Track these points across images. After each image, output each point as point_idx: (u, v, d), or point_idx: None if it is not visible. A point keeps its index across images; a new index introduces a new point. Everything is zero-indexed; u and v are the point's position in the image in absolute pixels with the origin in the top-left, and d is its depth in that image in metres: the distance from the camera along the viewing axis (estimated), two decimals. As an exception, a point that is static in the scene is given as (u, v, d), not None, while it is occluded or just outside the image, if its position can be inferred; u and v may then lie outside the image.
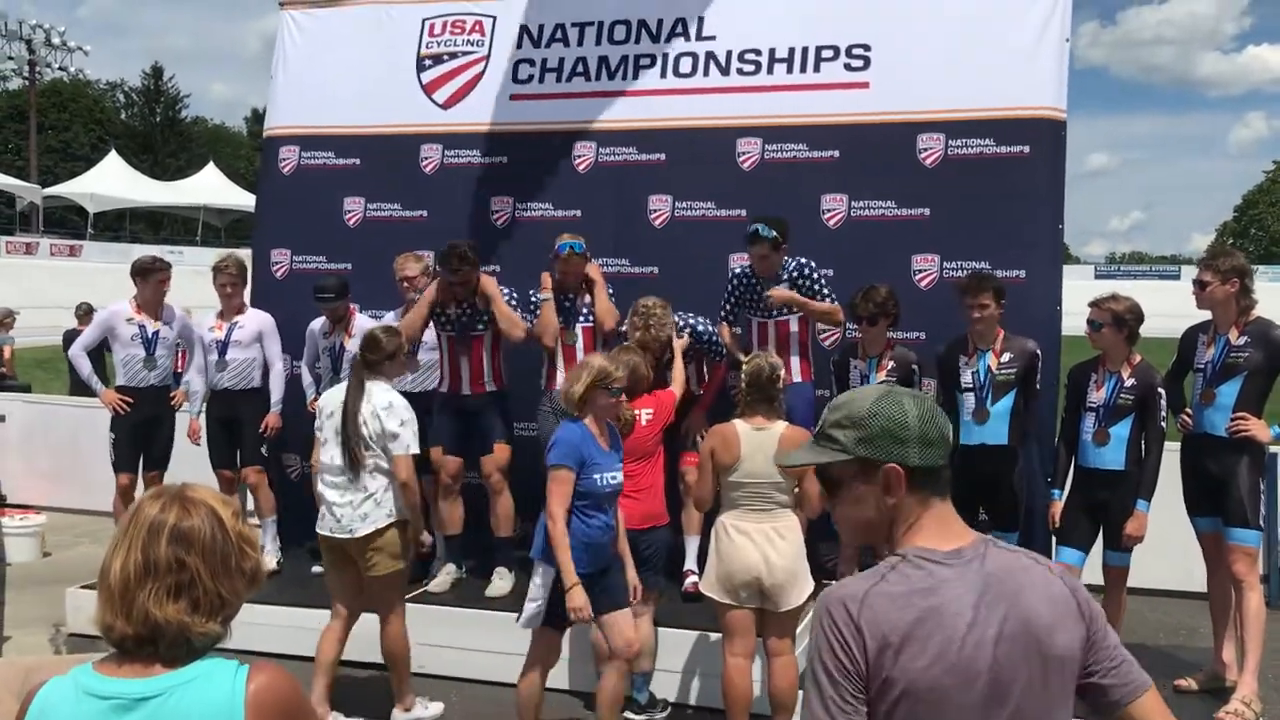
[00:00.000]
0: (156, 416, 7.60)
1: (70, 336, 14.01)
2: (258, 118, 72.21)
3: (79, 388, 12.56)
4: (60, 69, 64.11)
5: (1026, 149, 6.54)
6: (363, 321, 7.30)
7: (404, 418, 5.33)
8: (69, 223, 57.96)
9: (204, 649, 1.90)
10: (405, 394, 6.96)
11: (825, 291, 6.32)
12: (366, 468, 5.34)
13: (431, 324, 6.81)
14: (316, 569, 7.19)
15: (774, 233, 6.20)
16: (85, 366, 7.75)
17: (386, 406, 5.33)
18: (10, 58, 60.59)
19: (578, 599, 4.73)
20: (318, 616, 6.25)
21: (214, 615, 1.90)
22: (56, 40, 61.46)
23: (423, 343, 7.03)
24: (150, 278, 7.54)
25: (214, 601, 1.90)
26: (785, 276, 6.32)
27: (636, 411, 5.51)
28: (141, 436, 7.57)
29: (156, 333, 7.56)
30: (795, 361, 6.33)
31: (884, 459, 1.95)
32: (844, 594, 1.89)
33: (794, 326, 6.36)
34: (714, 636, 5.56)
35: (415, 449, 5.37)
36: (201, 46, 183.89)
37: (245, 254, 8.16)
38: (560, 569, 4.75)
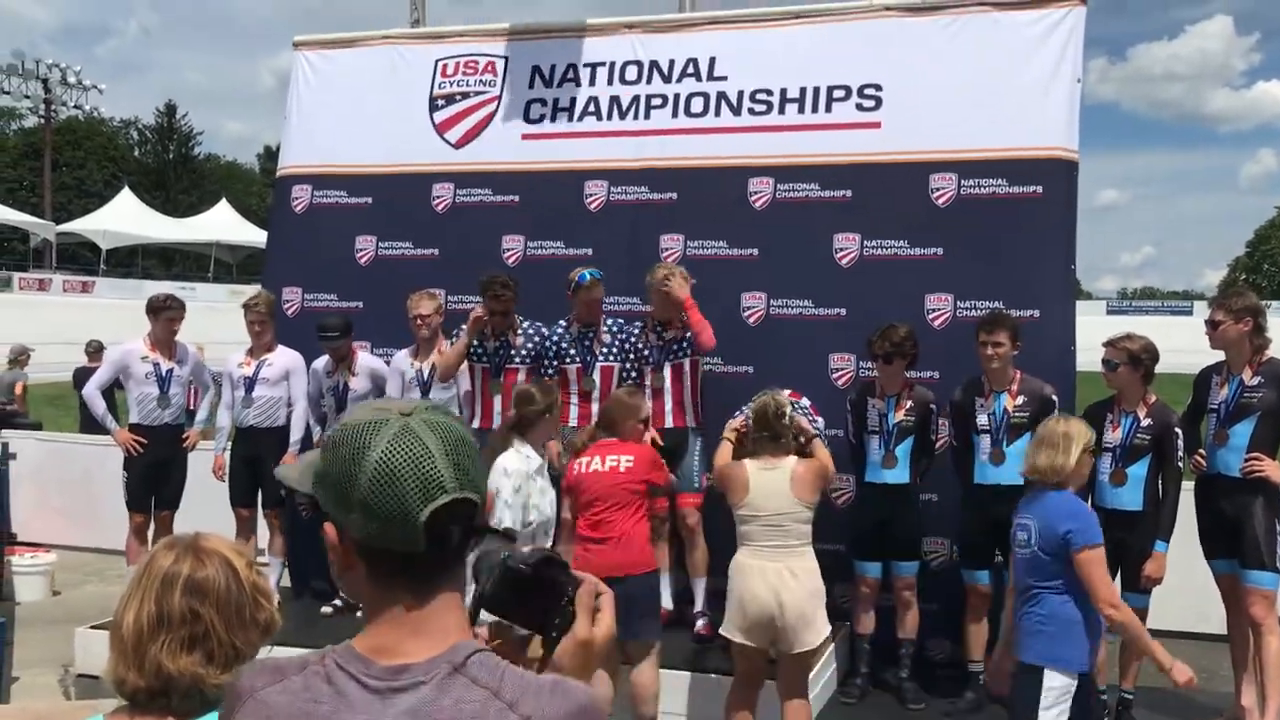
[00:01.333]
0: (170, 456, 7.61)
1: (80, 373, 14.07)
2: (270, 154, 72.80)
3: (89, 425, 12.55)
4: (75, 107, 64.86)
5: (1039, 189, 6.52)
6: (366, 360, 7.31)
7: (498, 485, 4.72)
8: (82, 259, 58.35)
9: (216, 701, 1.87)
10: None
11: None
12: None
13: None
14: (326, 610, 7.16)
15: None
16: (100, 405, 7.76)
17: (499, 472, 4.78)
18: (27, 96, 61.33)
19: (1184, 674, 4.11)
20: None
21: (228, 667, 1.88)
22: (72, 79, 62.25)
23: (436, 382, 7.04)
24: (161, 316, 7.58)
25: (228, 653, 1.88)
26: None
27: (616, 457, 5.35)
28: (154, 476, 7.58)
29: (170, 370, 7.59)
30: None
31: (327, 512, 1.43)
32: (243, 679, 1.43)
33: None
34: (726, 680, 5.50)
35: (504, 523, 4.65)
36: (216, 84, 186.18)
37: (254, 290, 8.18)
38: (1156, 655, 4.15)
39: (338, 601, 7.24)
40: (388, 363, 7.34)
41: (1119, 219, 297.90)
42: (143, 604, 1.86)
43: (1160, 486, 5.62)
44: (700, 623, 6.32)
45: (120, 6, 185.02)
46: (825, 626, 5.00)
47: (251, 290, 8.16)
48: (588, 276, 6.57)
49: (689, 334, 6.51)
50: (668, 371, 6.52)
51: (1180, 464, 5.62)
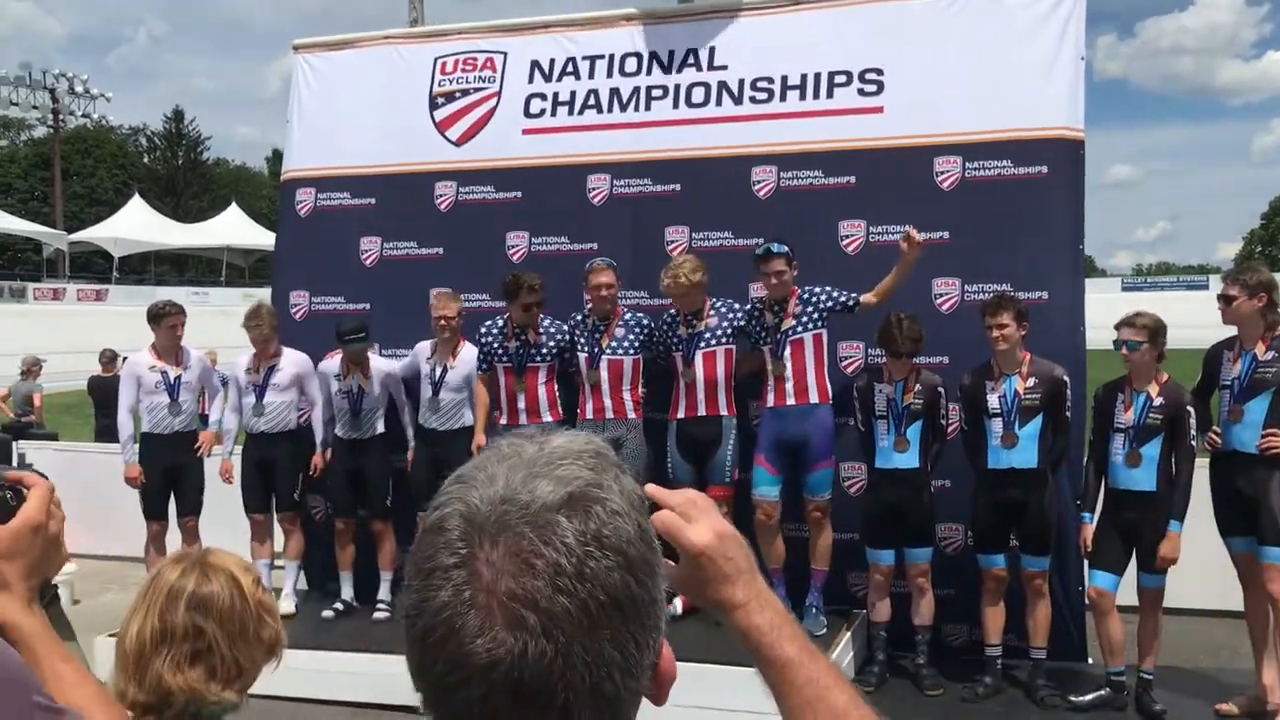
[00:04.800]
0: (184, 463, 7.63)
1: (94, 382, 14.15)
2: (279, 157, 72.78)
3: (105, 433, 12.63)
4: (84, 116, 65.06)
5: (1044, 169, 6.47)
6: (379, 363, 7.29)
7: None
8: (95, 267, 58.57)
9: (214, 717, 1.87)
10: (432, 431, 7.06)
11: (837, 295, 6.33)
12: None
13: (479, 360, 6.96)
14: (326, 614, 7.16)
15: (786, 247, 6.26)
16: (126, 431, 7.75)
17: None
18: (35, 107, 61.49)
19: None
20: (334, 660, 6.27)
21: (230, 683, 1.88)
22: (79, 88, 62.40)
23: (445, 383, 7.04)
24: (163, 322, 7.59)
25: (231, 669, 1.88)
26: (800, 304, 6.35)
27: None
28: (170, 482, 7.61)
29: (179, 378, 7.59)
30: (813, 380, 6.30)
31: None
32: None
33: (809, 343, 6.32)
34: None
35: None
36: (225, 89, 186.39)
37: (265, 293, 8.19)
38: None
39: (339, 605, 7.27)
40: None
41: (1133, 195, 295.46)
42: (147, 618, 1.87)
43: (1174, 465, 5.58)
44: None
45: (130, 15, 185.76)
46: None
47: (265, 293, 8.15)
48: (597, 262, 6.68)
49: (722, 322, 6.53)
50: (699, 360, 6.49)
51: (1194, 443, 5.58)
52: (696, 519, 1.14)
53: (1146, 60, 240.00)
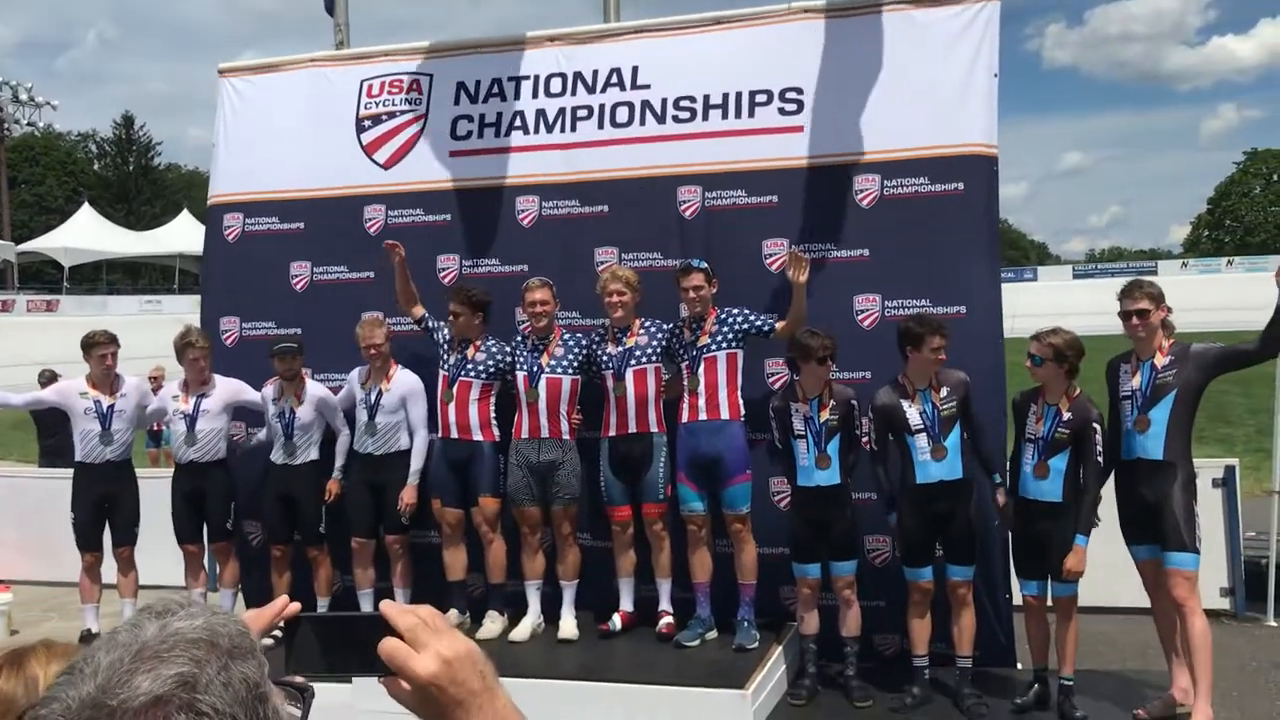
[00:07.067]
0: (117, 492, 7.59)
1: (35, 404, 14.00)
2: (231, 161, 72.05)
3: (47, 454, 12.52)
4: (29, 124, 64.01)
5: (961, 186, 6.56)
6: (314, 389, 7.29)
7: None
8: (45, 276, 57.82)
9: None
10: (369, 456, 7.09)
11: (754, 318, 6.48)
12: None
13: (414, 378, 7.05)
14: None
15: (704, 264, 6.47)
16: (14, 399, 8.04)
17: None
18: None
19: None
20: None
21: None
22: (24, 96, 61.47)
23: (380, 406, 7.06)
24: (93, 352, 7.56)
25: None
26: (717, 323, 6.48)
27: None
28: (103, 514, 7.57)
29: (112, 406, 7.55)
30: (724, 397, 6.41)
31: None
32: None
33: (722, 361, 6.42)
34: (678, 690, 5.52)
35: None
36: (177, 91, 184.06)
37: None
38: None
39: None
40: (334, 390, 7.38)
41: (1085, 181, 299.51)
42: None
43: (1081, 479, 5.73)
44: (664, 621, 6.52)
45: (81, 18, 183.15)
46: None
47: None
48: (533, 280, 6.79)
49: (651, 341, 6.60)
50: (630, 377, 6.55)
51: (1099, 459, 5.72)
52: (426, 644, 1.16)
53: (1096, 48, 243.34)
